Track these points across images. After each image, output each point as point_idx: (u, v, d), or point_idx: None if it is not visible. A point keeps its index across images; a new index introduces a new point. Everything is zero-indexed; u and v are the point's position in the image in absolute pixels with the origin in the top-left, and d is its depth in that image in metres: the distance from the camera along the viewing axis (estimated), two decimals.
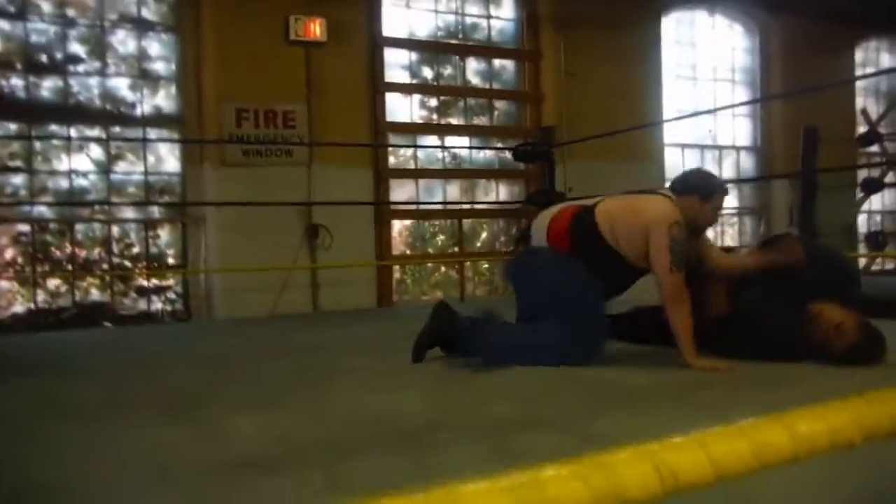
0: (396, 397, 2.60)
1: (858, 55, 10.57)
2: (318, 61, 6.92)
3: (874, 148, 9.68)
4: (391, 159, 7.63)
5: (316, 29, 6.82)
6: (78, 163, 6.56)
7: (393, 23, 7.50)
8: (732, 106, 9.47)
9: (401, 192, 7.65)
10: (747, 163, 9.80)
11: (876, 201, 10.54)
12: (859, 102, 10.42)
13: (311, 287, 6.97)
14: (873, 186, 8.43)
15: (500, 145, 8.04)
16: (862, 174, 9.36)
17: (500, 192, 8.15)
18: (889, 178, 9.89)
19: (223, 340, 4.79)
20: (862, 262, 9.36)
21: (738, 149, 9.74)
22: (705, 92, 9.43)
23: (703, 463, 0.53)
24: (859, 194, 9.55)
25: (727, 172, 9.64)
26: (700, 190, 3.05)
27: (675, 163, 9.16)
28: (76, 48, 6.54)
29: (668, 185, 3.31)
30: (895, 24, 10.30)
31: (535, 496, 0.45)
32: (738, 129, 9.77)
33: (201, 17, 6.66)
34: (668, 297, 2.89)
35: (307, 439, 2.07)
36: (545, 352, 2.98)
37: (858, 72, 10.38)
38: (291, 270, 6.78)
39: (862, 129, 9.78)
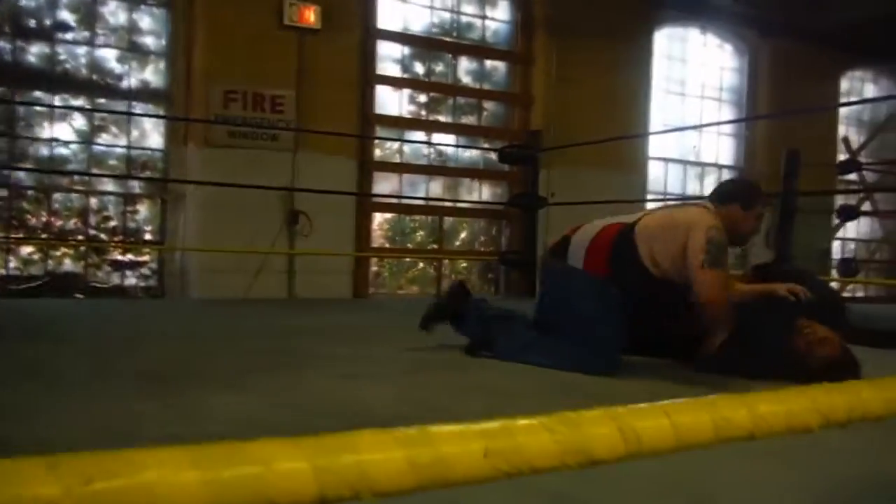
0: (368, 387, 2.60)
1: (844, 84, 10.73)
2: (311, 48, 6.91)
3: (853, 176, 9.83)
4: (377, 152, 7.63)
5: (310, 15, 6.82)
6: (60, 131, 6.50)
7: (388, 15, 7.51)
8: (718, 123, 9.58)
9: (384, 184, 7.66)
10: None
11: (851, 228, 10.71)
12: (841, 130, 10.59)
13: (287, 273, 6.95)
14: (850, 214, 8.56)
15: (486, 146, 8.07)
16: (839, 201, 9.50)
17: (482, 192, 8.18)
18: (865, 207, 10.05)
19: (197, 319, 4.78)
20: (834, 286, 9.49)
21: (720, 167, 9.85)
22: (692, 108, 9.53)
23: (666, 429, 0.55)
24: (835, 220, 9.68)
25: (709, 190, 9.72)
26: (741, 198, 3.04)
27: (658, 176, 9.25)
28: (65, 16, 6.48)
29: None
30: (881, 55, 10.46)
31: (505, 442, 0.47)
32: (722, 147, 9.89)
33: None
34: (701, 296, 2.82)
35: (277, 424, 2.07)
36: (557, 355, 2.98)
37: (843, 100, 10.53)
38: (269, 255, 6.76)
39: (842, 156, 9.93)
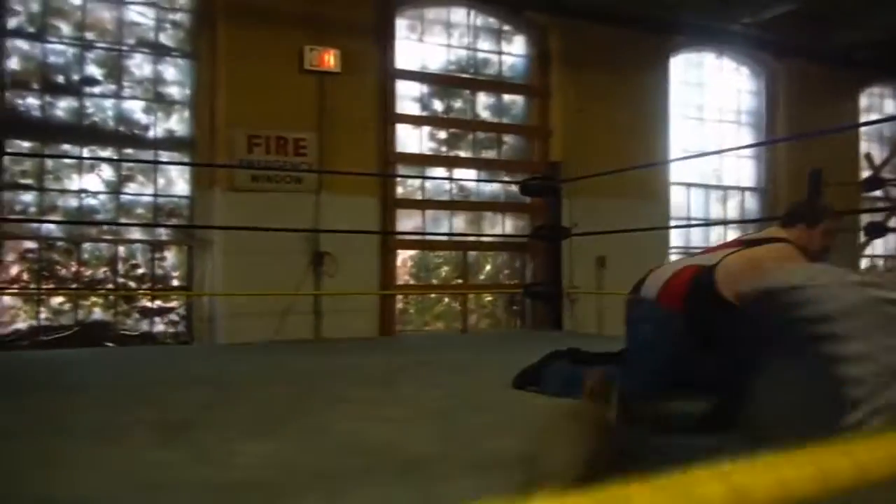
0: (396, 429, 2.59)
1: (863, 101, 10.67)
2: (331, 91, 7.01)
3: (878, 192, 9.73)
4: (399, 189, 7.68)
5: (330, 59, 6.92)
6: (89, 182, 6.62)
7: (405, 55, 7.60)
8: (739, 148, 9.53)
9: (407, 222, 7.70)
10: (752, 203, 9.85)
11: (879, 245, 10.57)
12: (863, 147, 10.50)
13: (313, 314, 6.98)
14: (877, 231, 8.46)
15: (507, 179, 8.10)
16: (865, 218, 9.39)
17: (505, 225, 8.19)
18: (892, 223, 9.92)
19: (225, 364, 4.79)
20: None
21: (742, 189, 9.79)
22: (711, 132, 9.50)
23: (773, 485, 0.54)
24: (863, 238, 9.57)
25: (732, 213, 9.69)
26: (806, 217, 3.06)
27: (681, 202, 9.22)
28: (93, 70, 6.63)
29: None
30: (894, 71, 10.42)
31: None
32: (743, 169, 9.84)
33: (217, 43, 6.76)
34: None
35: (306, 467, 2.07)
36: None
37: (863, 117, 10.46)
38: (295, 297, 6.79)
39: (866, 173, 9.84)
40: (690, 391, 3.12)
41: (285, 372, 4.33)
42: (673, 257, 9.15)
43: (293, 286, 6.78)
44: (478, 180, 8.02)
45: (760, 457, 0.64)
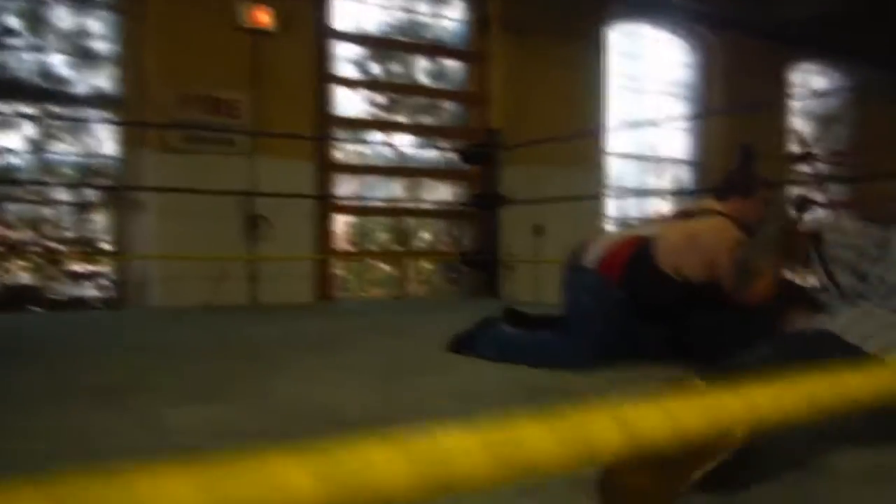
0: (338, 392, 2.58)
1: (795, 77, 10.93)
2: (266, 50, 6.84)
3: (806, 167, 10.02)
4: (336, 154, 7.59)
5: (264, 17, 6.75)
6: (9, 140, 6.35)
7: (342, 16, 7.46)
8: (673, 119, 9.69)
9: (344, 187, 7.62)
10: (686, 175, 10.04)
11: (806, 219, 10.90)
12: (793, 123, 10.78)
13: (249, 279, 6.88)
14: (804, 205, 8.71)
15: (445, 145, 8.07)
16: (793, 192, 9.67)
17: (444, 192, 8.18)
18: (819, 198, 10.24)
19: (160, 330, 4.70)
20: None
21: (677, 161, 9.97)
22: (648, 104, 9.62)
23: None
24: (791, 211, 9.86)
25: (666, 183, 9.86)
26: (739, 189, 3.12)
27: (617, 172, 9.34)
28: (11, 21, 6.33)
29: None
30: (827, 49, 10.68)
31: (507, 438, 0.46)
32: (678, 142, 10.00)
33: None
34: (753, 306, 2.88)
35: (245, 432, 2.05)
36: (537, 353, 3.05)
37: (794, 92, 10.73)
38: (230, 262, 6.68)
39: (795, 148, 10.12)
40: (633, 359, 3.19)
41: (222, 337, 4.26)
42: (609, 227, 9.30)
43: (228, 250, 6.66)
44: (416, 146, 7.97)
45: (652, 398, 0.65)
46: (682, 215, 3.28)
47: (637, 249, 3.07)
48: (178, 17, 6.51)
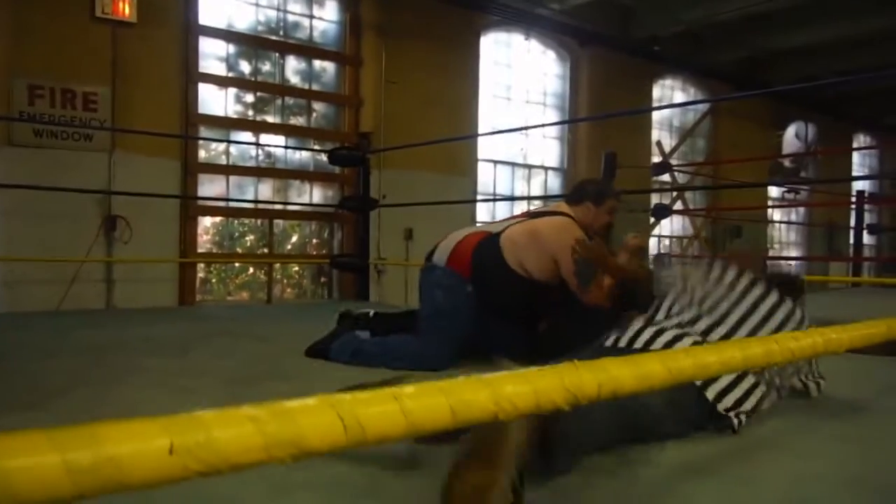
0: (187, 398, 2.47)
1: (656, 91, 11.49)
2: (126, 42, 6.54)
3: (665, 177, 10.53)
4: (201, 153, 7.33)
5: (125, 8, 6.45)
6: None
7: (210, 11, 7.22)
8: (542, 126, 9.97)
9: (210, 187, 7.37)
10: (554, 182, 10.34)
11: (665, 226, 11.49)
12: (654, 135, 11.33)
13: (105, 282, 6.55)
14: (662, 212, 9.16)
15: (316, 147, 7.96)
16: (654, 200, 10.14)
17: (313, 194, 8.06)
18: (677, 206, 10.80)
19: None
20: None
21: (546, 168, 10.25)
22: (518, 112, 9.85)
23: (395, 415, 0.54)
24: (651, 219, 10.33)
25: (535, 190, 10.13)
26: (591, 196, 3.19)
27: (488, 178, 9.51)
28: None
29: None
30: (684, 65, 11.31)
31: (196, 436, 0.43)
32: (548, 150, 10.29)
33: None
34: (588, 304, 2.96)
35: None
36: (388, 354, 3.02)
37: (655, 106, 11.28)
38: (84, 264, 6.32)
39: (656, 159, 10.62)
40: (485, 355, 3.20)
41: (70, 342, 4.00)
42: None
43: (81, 252, 6.30)
44: (286, 147, 7.81)
45: (519, 371, 0.70)
46: (530, 215, 3.36)
47: (482, 242, 3.12)
48: (31, 4, 6.12)
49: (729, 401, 1.93)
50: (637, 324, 2.15)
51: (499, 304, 3.11)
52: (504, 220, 3.45)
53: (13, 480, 0.37)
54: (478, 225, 3.41)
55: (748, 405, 1.97)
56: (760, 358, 1.05)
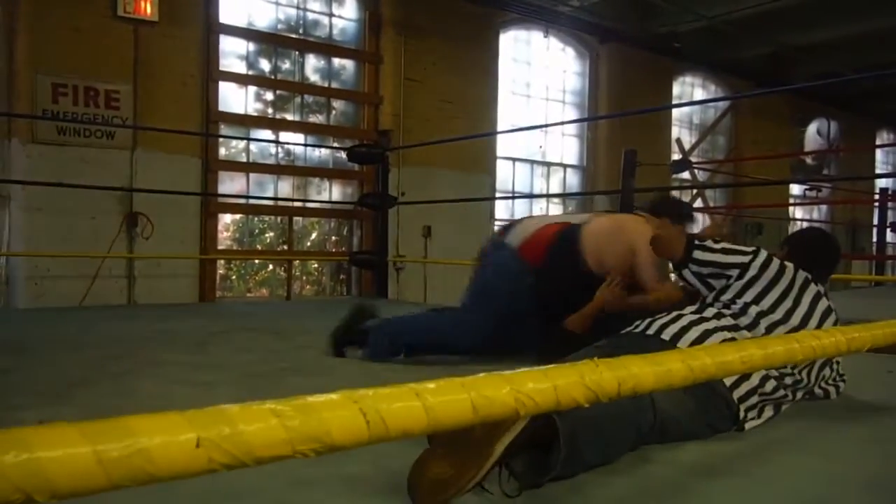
0: (205, 392, 2.49)
1: (676, 88, 11.42)
2: (148, 41, 6.60)
3: (685, 174, 10.47)
4: (221, 150, 7.39)
5: (146, 6, 6.51)
6: None
7: (231, 10, 7.27)
8: (562, 123, 9.94)
9: (230, 184, 7.42)
10: (573, 179, 10.31)
11: None
12: (675, 132, 11.26)
13: (126, 278, 6.61)
14: (689, 216, 9.09)
15: (335, 145, 7.99)
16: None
17: (333, 192, 8.09)
18: (696, 203, 10.73)
19: (22, 329, 4.43)
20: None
21: (565, 166, 10.23)
22: (537, 110, 9.83)
23: (417, 411, 0.54)
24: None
25: (554, 188, 10.11)
26: (673, 213, 3.12)
27: (506, 176, 9.50)
28: None
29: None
30: (704, 62, 11.23)
31: (222, 430, 0.44)
32: (567, 147, 10.27)
33: None
34: (656, 302, 2.87)
35: None
36: (428, 326, 3.00)
37: (675, 103, 11.21)
38: (106, 260, 6.39)
39: (676, 156, 10.56)
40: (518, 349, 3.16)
41: (92, 337, 4.05)
42: (497, 229, 9.43)
43: (103, 248, 6.37)
44: (305, 145, 7.85)
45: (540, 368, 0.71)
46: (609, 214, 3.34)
47: (563, 232, 3.07)
48: (54, 3, 6.19)
49: (751, 409, 1.91)
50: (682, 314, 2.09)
51: (558, 298, 3.02)
52: (584, 213, 3.39)
53: (49, 471, 0.38)
54: (557, 214, 3.33)
55: (765, 411, 1.95)
56: (782, 356, 1.05)
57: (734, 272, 2.12)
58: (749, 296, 2.08)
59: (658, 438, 1.72)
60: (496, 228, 3.34)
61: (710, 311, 2.06)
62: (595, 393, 0.71)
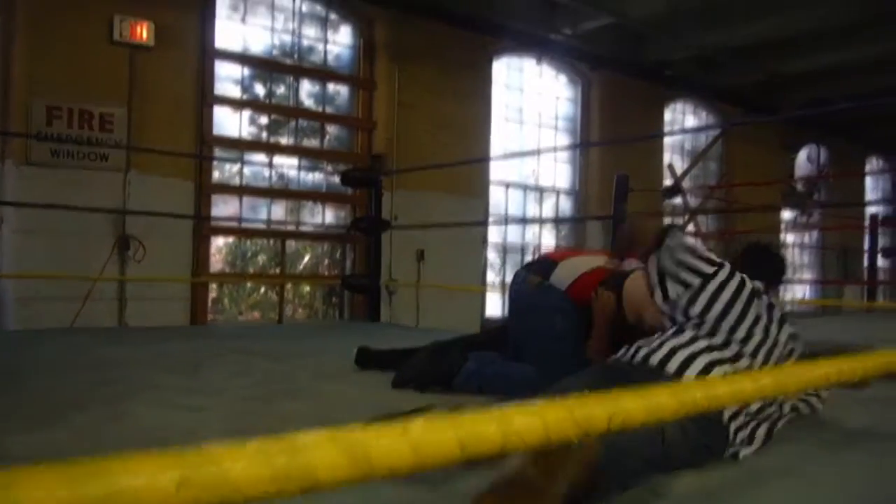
0: (198, 417, 2.47)
1: (667, 114, 11.51)
2: (143, 65, 6.62)
3: (678, 200, 10.51)
4: (215, 174, 7.39)
5: (142, 31, 6.54)
6: None
7: (226, 35, 7.31)
8: (554, 150, 9.99)
9: (223, 207, 7.42)
10: (566, 204, 10.35)
11: None
12: (666, 157, 11.32)
13: (118, 300, 6.58)
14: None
15: (329, 169, 8.01)
16: (665, 222, 10.11)
17: (326, 215, 8.09)
18: (688, 229, 10.76)
19: (12, 351, 4.40)
20: None
21: (557, 191, 10.26)
22: (530, 135, 9.88)
23: (402, 449, 0.54)
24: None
25: (547, 212, 10.13)
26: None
27: (499, 200, 9.52)
28: None
29: None
30: (695, 88, 11.33)
31: (205, 471, 0.44)
32: (559, 172, 10.31)
33: (15, 1, 6.20)
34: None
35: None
36: (512, 383, 2.92)
37: (667, 129, 11.29)
38: (97, 282, 6.36)
39: (667, 181, 10.60)
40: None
41: (84, 359, 4.02)
42: (490, 253, 9.46)
43: (95, 270, 6.35)
44: (299, 168, 7.86)
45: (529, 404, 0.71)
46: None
47: (609, 281, 2.98)
48: (51, 27, 6.22)
49: (741, 429, 1.91)
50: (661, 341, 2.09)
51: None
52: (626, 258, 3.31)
53: None
54: (595, 257, 3.21)
55: (757, 434, 1.95)
56: (771, 388, 1.05)
57: (696, 281, 2.13)
58: (714, 311, 2.08)
59: (663, 468, 1.71)
60: (525, 263, 3.26)
61: (687, 335, 2.06)
62: (584, 429, 0.71)
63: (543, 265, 3.22)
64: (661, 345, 2.06)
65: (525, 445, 0.65)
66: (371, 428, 0.54)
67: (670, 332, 2.12)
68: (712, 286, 2.11)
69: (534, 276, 3.16)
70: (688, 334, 2.06)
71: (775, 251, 2.53)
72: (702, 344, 2.02)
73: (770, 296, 2.19)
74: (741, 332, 2.04)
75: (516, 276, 3.34)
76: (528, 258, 9.89)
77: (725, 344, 2.03)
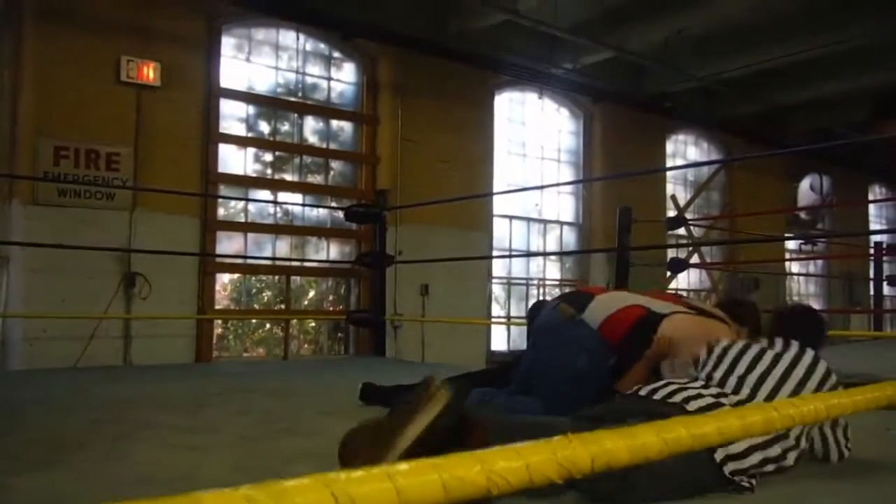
0: (198, 457, 2.48)
1: (669, 146, 11.59)
2: (150, 105, 6.72)
3: (681, 231, 10.54)
4: (220, 210, 7.46)
5: (149, 72, 6.65)
6: None
7: (231, 74, 7.43)
8: (557, 185, 10.05)
9: (228, 244, 7.47)
10: (570, 236, 10.38)
11: (682, 279, 11.45)
12: (669, 189, 11.38)
13: (123, 338, 6.61)
14: (679, 266, 9.14)
15: (333, 204, 8.07)
16: (670, 254, 10.13)
17: (331, 251, 8.14)
18: (693, 259, 10.77)
19: (14, 392, 4.41)
20: None
21: (561, 223, 10.31)
22: (533, 169, 9.95)
23: (388, 493, 0.56)
24: (668, 273, 10.31)
25: (551, 245, 10.17)
26: (752, 323, 2.98)
27: (503, 234, 9.57)
28: None
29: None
30: (696, 120, 11.42)
31: None
32: (563, 205, 10.36)
33: (23, 44, 6.32)
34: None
35: (86, 502, 1.93)
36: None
37: (669, 162, 11.35)
38: (103, 320, 6.39)
39: (671, 213, 10.64)
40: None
41: (86, 398, 4.03)
42: (495, 286, 9.48)
43: (101, 309, 6.38)
44: (303, 205, 7.93)
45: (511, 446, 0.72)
46: (695, 309, 3.10)
47: (644, 319, 2.90)
48: (58, 68, 6.34)
49: (743, 464, 1.91)
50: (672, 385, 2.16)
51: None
52: (663, 298, 3.21)
53: None
54: (633, 295, 3.11)
55: (766, 465, 1.95)
56: (760, 426, 1.07)
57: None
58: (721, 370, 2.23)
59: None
60: (556, 295, 3.18)
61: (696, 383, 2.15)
62: (568, 469, 0.73)
63: (580, 298, 3.10)
64: (666, 385, 2.14)
65: (510, 487, 0.67)
66: (356, 473, 0.57)
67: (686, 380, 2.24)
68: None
69: (567, 307, 3.03)
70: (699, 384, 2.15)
71: (812, 314, 2.58)
72: (712, 391, 2.11)
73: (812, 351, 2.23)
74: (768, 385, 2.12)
75: (546, 303, 3.23)
76: (533, 291, 9.91)
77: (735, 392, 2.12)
